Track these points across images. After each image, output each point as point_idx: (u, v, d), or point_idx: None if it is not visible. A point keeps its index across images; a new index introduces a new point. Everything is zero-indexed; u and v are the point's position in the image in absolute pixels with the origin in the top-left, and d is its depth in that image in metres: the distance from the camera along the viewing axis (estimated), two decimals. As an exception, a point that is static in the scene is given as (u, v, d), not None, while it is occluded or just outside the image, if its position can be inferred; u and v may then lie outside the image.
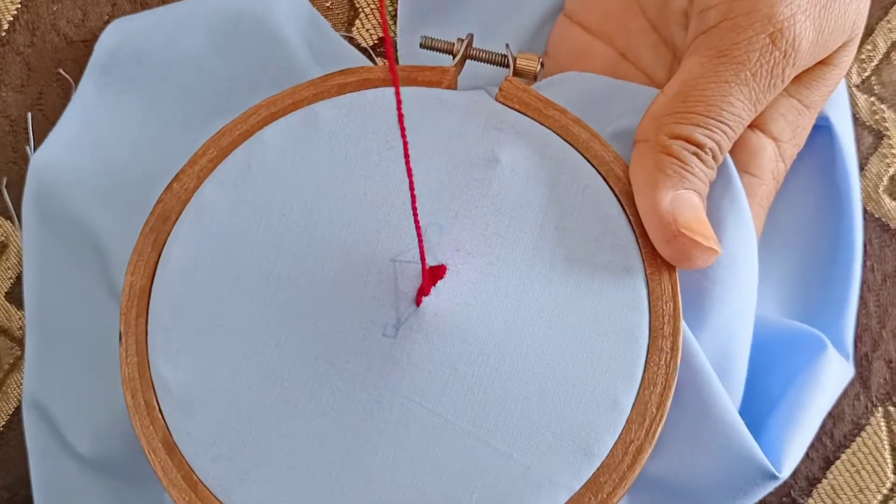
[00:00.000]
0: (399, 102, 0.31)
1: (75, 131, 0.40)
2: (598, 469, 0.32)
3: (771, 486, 0.34)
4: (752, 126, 0.36)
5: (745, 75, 0.33)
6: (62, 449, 0.38)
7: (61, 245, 0.39)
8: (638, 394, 0.32)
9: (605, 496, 0.32)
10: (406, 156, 0.31)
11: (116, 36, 0.39)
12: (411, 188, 0.31)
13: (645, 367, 0.32)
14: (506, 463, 0.32)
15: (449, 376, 0.32)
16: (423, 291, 0.32)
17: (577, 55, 0.39)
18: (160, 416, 0.33)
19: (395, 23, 0.43)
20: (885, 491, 0.39)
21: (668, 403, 0.32)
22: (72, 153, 0.39)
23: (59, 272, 0.39)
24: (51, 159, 0.39)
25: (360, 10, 0.43)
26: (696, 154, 0.33)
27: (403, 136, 0.31)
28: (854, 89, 0.42)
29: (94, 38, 0.40)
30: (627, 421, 0.32)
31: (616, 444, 0.32)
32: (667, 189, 0.32)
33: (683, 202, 0.32)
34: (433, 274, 0.32)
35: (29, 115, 0.42)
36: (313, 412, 0.32)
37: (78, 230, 0.39)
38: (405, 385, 0.32)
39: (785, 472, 0.34)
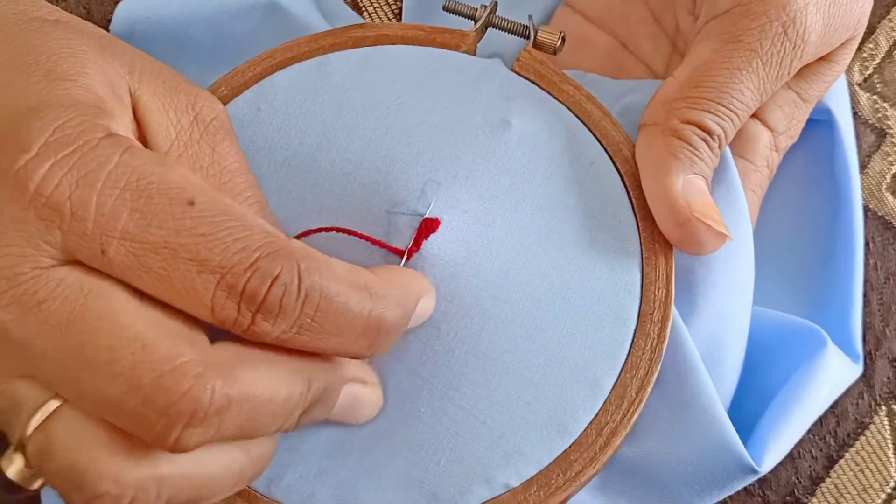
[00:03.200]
0: None
1: None
2: (570, 447, 0.31)
3: (749, 480, 0.34)
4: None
5: (756, 63, 0.33)
6: None
7: None
8: (619, 376, 0.32)
9: (573, 474, 0.31)
10: None
11: (131, 13, 0.40)
12: None
13: (630, 350, 0.32)
14: (478, 429, 0.31)
15: (431, 335, 0.32)
16: (413, 245, 0.32)
17: (577, 44, 0.39)
18: None
19: (396, 20, 0.43)
20: (888, 490, 0.39)
21: (649, 389, 0.32)
22: None
23: None
24: None
25: (364, 8, 0.43)
26: (705, 140, 0.33)
27: None
28: (856, 87, 0.42)
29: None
30: (605, 402, 0.32)
31: (591, 423, 0.31)
32: (678, 173, 0.32)
33: (694, 186, 0.32)
34: (426, 227, 0.32)
35: None
36: None
37: None
38: None
39: (765, 467, 0.34)
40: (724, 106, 0.33)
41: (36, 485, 0.26)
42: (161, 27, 0.39)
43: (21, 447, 0.26)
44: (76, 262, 0.26)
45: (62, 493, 0.25)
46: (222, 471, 0.27)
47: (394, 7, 0.43)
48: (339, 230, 0.32)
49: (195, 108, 0.30)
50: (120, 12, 0.40)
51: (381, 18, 0.43)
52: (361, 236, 0.32)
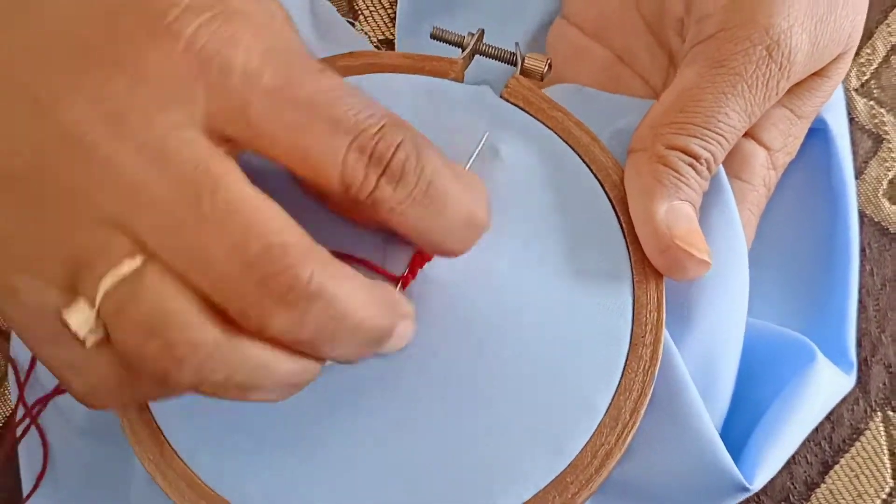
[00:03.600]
0: None
1: None
2: (565, 468, 0.31)
3: (741, 498, 0.34)
4: (745, 134, 0.36)
5: (742, 87, 0.33)
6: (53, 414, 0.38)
7: None
8: (613, 398, 0.32)
9: (569, 496, 0.31)
10: None
11: None
12: None
13: (623, 372, 0.32)
14: (479, 453, 0.31)
15: (428, 362, 0.32)
16: (409, 274, 0.32)
17: (574, 57, 0.39)
18: None
19: (392, 24, 0.43)
20: (883, 496, 0.39)
21: (643, 411, 0.32)
22: None
23: None
24: None
25: (360, 11, 0.43)
26: (691, 165, 0.33)
27: None
28: (853, 93, 0.42)
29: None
30: (600, 424, 0.32)
31: (586, 445, 0.32)
32: (662, 199, 0.32)
33: (678, 213, 0.32)
34: (421, 257, 0.32)
35: None
36: None
37: None
38: (383, 366, 0.32)
39: (757, 485, 0.34)
40: (709, 130, 0.33)
41: (91, 340, 0.26)
42: None
43: (89, 299, 0.26)
44: (207, 132, 0.26)
45: (132, 346, 0.25)
46: (273, 367, 0.27)
47: (390, 11, 0.43)
48: (343, 255, 0.32)
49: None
50: None
51: (376, 23, 0.43)
52: (376, 268, 0.33)
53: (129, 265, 0.25)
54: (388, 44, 0.43)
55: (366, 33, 0.43)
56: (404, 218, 0.28)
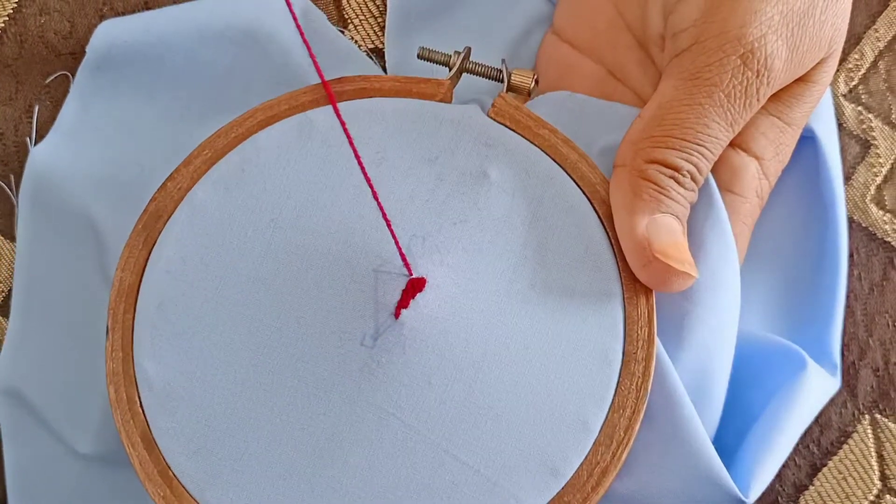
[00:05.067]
0: (343, 125, 0.32)
1: (73, 124, 0.40)
2: (562, 488, 0.32)
3: None
4: (734, 145, 0.36)
5: (719, 97, 0.33)
6: (44, 438, 0.39)
7: (56, 234, 0.39)
8: (607, 417, 0.33)
9: None
10: (366, 174, 0.32)
11: (108, 35, 0.39)
12: (377, 201, 0.32)
13: (616, 390, 0.33)
14: (473, 478, 0.32)
15: (423, 389, 0.33)
16: (402, 304, 0.33)
17: (565, 72, 0.39)
18: (141, 411, 0.33)
19: (382, 33, 0.43)
20: (871, 498, 0.39)
21: (637, 427, 0.33)
22: (70, 145, 0.40)
23: (52, 260, 0.39)
24: (50, 151, 0.39)
25: (350, 20, 0.43)
26: (673, 177, 0.33)
27: (355, 151, 0.32)
28: (841, 98, 0.42)
29: (83, 50, 0.40)
30: (595, 443, 0.32)
31: (582, 464, 0.32)
32: (643, 214, 0.33)
33: (660, 227, 0.33)
34: (413, 286, 0.33)
35: (36, 107, 0.42)
36: (290, 416, 0.33)
37: (75, 220, 0.39)
38: (380, 395, 0.33)
39: (752, 497, 0.34)
40: (688, 141, 0.33)
41: None
42: (138, 52, 0.39)
43: None
44: None
45: None
46: None
47: (380, 20, 0.43)
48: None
49: None
50: (99, 33, 0.39)
51: (366, 32, 0.43)
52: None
53: None
54: (379, 53, 0.43)
55: (356, 42, 0.43)
56: None
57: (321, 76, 0.33)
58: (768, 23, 0.33)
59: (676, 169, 0.33)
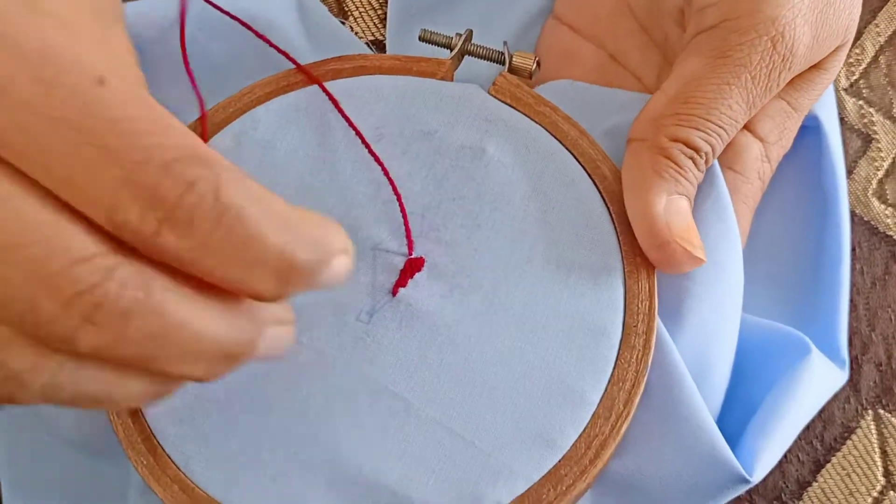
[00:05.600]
0: (335, 102, 0.32)
1: None
2: (559, 461, 0.31)
3: (741, 490, 0.34)
4: None
5: (746, 78, 0.32)
6: (35, 422, 0.38)
7: None
8: (606, 389, 0.32)
9: (564, 488, 0.31)
10: (371, 151, 0.32)
11: None
12: (389, 178, 0.32)
13: (615, 363, 0.32)
14: (467, 450, 0.31)
15: (418, 363, 0.32)
16: (399, 283, 0.33)
17: (566, 57, 0.39)
18: None
19: (382, 25, 0.43)
20: (875, 494, 0.39)
21: (637, 401, 0.32)
22: None
23: None
24: None
25: (350, 12, 0.43)
26: (691, 158, 0.33)
27: (353, 126, 0.32)
28: (843, 93, 0.42)
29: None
30: (593, 416, 0.32)
31: (580, 437, 0.32)
32: (661, 193, 0.32)
33: (677, 208, 0.32)
34: (411, 266, 0.33)
35: None
36: (281, 385, 0.32)
37: None
38: (374, 368, 0.32)
39: (756, 477, 0.34)
40: (712, 122, 0.32)
41: None
42: (138, 39, 0.39)
43: None
44: None
45: None
46: (103, 390, 0.24)
47: (380, 12, 0.43)
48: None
49: None
50: None
51: (366, 24, 0.43)
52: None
53: None
54: (379, 44, 0.43)
55: (356, 34, 0.43)
56: (194, 266, 0.23)
57: (301, 68, 0.32)
58: (799, 6, 0.32)
59: (697, 150, 0.32)
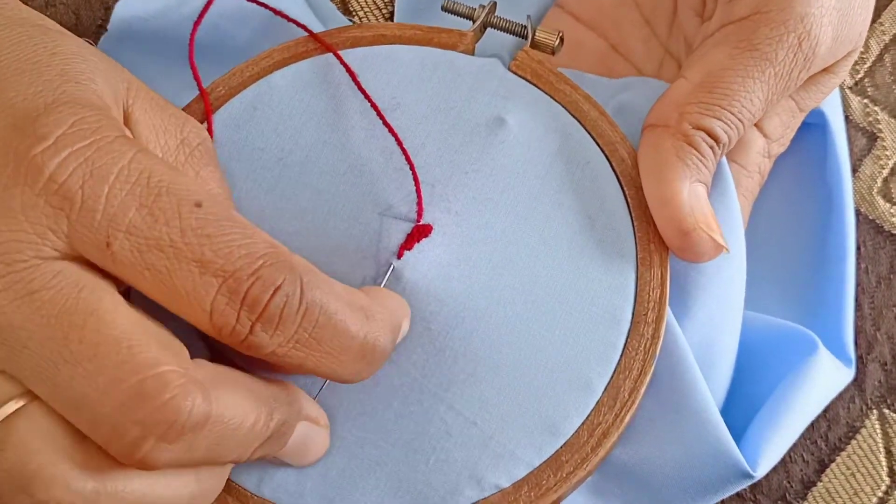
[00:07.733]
0: (350, 70, 0.33)
1: None
2: (560, 447, 0.31)
3: (744, 484, 0.34)
4: None
5: (770, 73, 0.32)
6: None
7: None
8: (612, 377, 0.32)
9: (564, 475, 0.31)
10: (383, 118, 0.33)
11: (130, 9, 0.39)
12: (401, 146, 0.32)
13: (623, 351, 0.32)
14: (469, 430, 0.31)
15: (422, 335, 0.32)
16: (405, 246, 0.32)
17: (568, 46, 0.39)
18: None
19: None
20: (880, 494, 0.39)
21: (643, 390, 0.32)
22: None
23: None
24: None
25: (355, 12, 0.43)
26: (711, 147, 0.32)
27: (366, 95, 0.32)
28: (847, 91, 0.42)
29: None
30: (598, 403, 0.31)
31: (583, 424, 0.31)
32: (685, 180, 0.32)
33: (698, 195, 0.32)
34: (418, 232, 0.32)
35: None
36: None
37: None
38: None
39: (760, 472, 0.33)
40: (734, 114, 0.32)
41: None
42: (157, 28, 0.39)
43: None
44: (77, 259, 0.25)
45: (5, 494, 0.24)
46: (172, 498, 0.26)
47: (384, 11, 0.43)
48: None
49: (182, 132, 0.30)
50: (120, 6, 0.40)
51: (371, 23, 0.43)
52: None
53: (7, 409, 0.25)
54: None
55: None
56: (287, 360, 0.26)
57: (316, 37, 0.31)
58: (826, 7, 0.32)
59: (717, 140, 0.32)
